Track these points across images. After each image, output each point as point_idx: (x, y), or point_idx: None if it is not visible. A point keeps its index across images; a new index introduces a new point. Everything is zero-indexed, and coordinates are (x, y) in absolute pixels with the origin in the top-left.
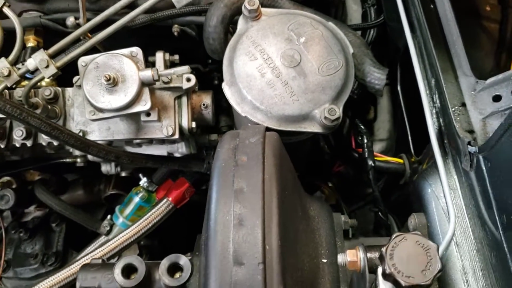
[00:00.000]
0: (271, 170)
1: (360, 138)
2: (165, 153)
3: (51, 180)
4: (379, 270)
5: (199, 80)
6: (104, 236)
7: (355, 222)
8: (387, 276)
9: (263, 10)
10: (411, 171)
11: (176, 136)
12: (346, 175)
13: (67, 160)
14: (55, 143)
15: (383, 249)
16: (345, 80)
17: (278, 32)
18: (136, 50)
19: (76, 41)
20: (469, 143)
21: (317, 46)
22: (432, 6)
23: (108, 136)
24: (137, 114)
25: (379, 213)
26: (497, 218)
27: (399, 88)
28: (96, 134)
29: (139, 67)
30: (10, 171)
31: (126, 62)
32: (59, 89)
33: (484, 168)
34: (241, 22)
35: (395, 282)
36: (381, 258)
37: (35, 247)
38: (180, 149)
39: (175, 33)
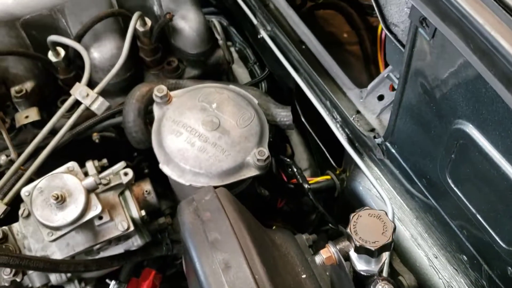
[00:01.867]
0: (234, 215)
1: (290, 169)
2: (122, 252)
3: None
4: (351, 250)
5: None
6: None
7: (315, 236)
8: (359, 249)
9: (171, 93)
10: (340, 182)
11: (131, 228)
12: (290, 207)
13: None
14: (18, 279)
15: (347, 230)
16: (261, 125)
17: (192, 106)
18: (72, 164)
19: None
20: (374, 137)
21: (228, 107)
22: (303, 47)
23: (70, 252)
24: (91, 221)
25: (330, 225)
26: (418, 183)
27: (303, 119)
28: (58, 254)
29: (80, 178)
30: None
31: (67, 178)
32: (6, 227)
33: (393, 150)
34: (156, 109)
35: (366, 250)
36: (349, 238)
37: None
38: (136, 242)
39: (96, 140)
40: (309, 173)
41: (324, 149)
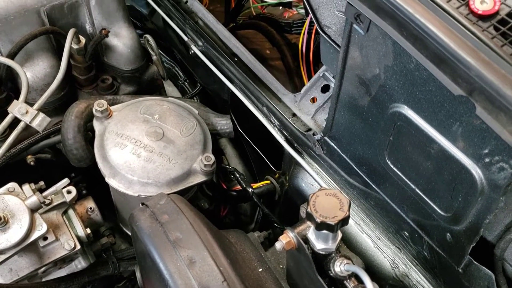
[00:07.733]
0: (192, 215)
1: (232, 176)
2: None
3: None
4: (309, 232)
5: None
6: None
7: (266, 233)
8: (320, 226)
9: (111, 108)
10: (280, 185)
11: (78, 247)
12: (230, 219)
13: None
14: None
15: (308, 209)
16: (204, 133)
17: (134, 118)
18: (12, 185)
19: None
20: (313, 134)
21: (170, 117)
22: (236, 59)
23: (14, 277)
24: (35, 243)
25: (275, 225)
26: (359, 171)
27: (239, 129)
28: (0, 281)
29: (21, 198)
30: None
31: (8, 198)
32: None
33: (332, 144)
34: (97, 125)
35: (327, 226)
36: (309, 217)
37: None
38: (79, 265)
39: (31, 163)
40: None
41: (262, 155)
